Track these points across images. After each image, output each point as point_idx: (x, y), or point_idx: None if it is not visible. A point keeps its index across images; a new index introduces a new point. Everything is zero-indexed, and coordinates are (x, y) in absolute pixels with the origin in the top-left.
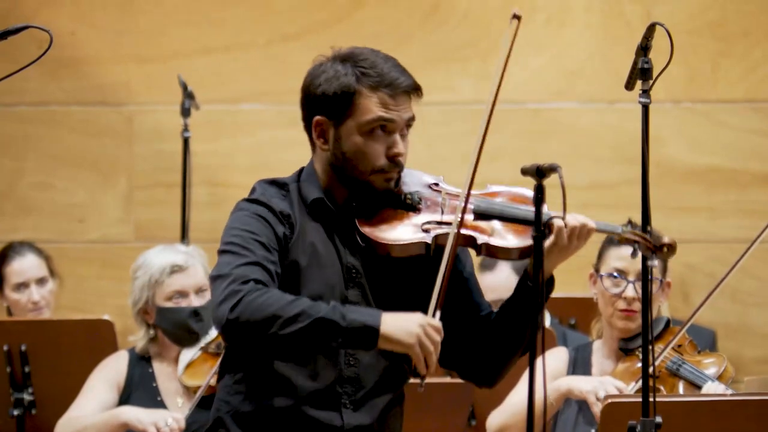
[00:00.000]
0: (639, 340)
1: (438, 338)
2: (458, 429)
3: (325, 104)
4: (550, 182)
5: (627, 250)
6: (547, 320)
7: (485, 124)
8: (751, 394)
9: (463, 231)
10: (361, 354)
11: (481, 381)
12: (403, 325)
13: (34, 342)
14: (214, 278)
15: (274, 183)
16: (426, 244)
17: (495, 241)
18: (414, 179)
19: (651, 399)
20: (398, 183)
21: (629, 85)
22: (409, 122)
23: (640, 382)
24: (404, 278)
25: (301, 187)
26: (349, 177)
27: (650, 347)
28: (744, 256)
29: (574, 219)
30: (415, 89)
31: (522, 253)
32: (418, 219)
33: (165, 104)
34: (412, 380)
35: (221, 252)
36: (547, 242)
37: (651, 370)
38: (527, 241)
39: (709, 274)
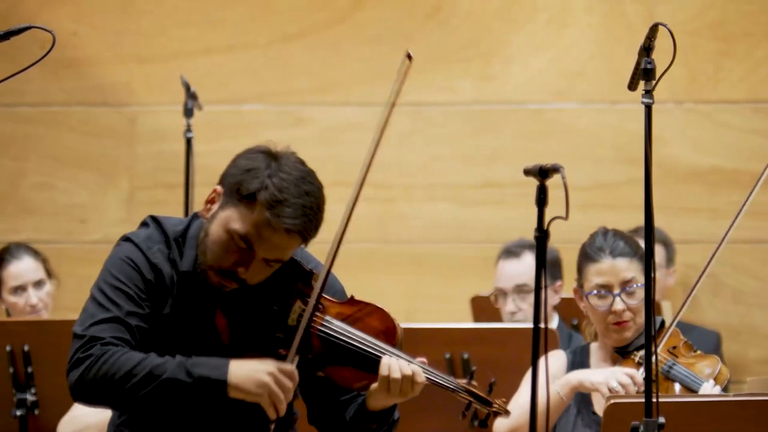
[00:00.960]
0: (635, 343)
1: (289, 384)
2: (460, 430)
3: (230, 181)
4: (552, 183)
5: (605, 263)
6: (555, 322)
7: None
8: (753, 395)
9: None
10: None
11: None
12: (250, 375)
13: (37, 342)
14: (73, 334)
15: (164, 231)
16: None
17: (334, 377)
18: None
19: (654, 399)
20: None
21: (632, 86)
22: (271, 259)
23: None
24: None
25: (183, 249)
26: (200, 260)
27: (653, 348)
28: (715, 255)
29: (407, 368)
30: (297, 234)
31: (364, 388)
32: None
33: (166, 105)
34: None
35: (90, 296)
36: (374, 386)
37: (653, 370)
38: (363, 379)
39: (711, 274)
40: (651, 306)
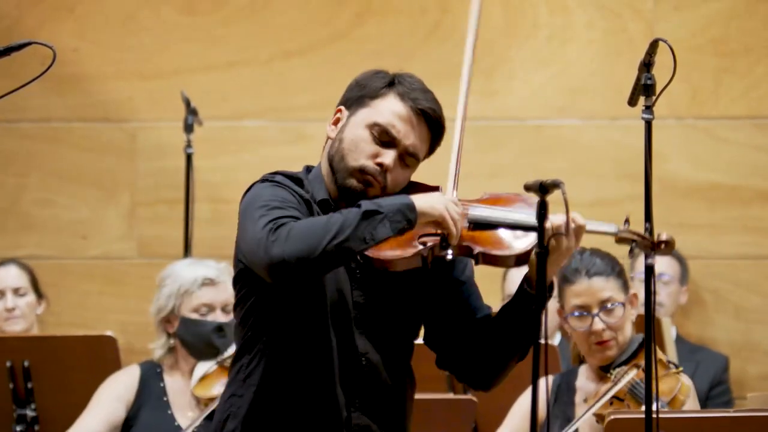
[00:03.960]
0: (618, 360)
1: (459, 209)
2: None
3: (353, 93)
4: (553, 198)
5: (581, 284)
6: (557, 339)
7: None
8: (754, 411)
9: (459, 242)
10: (371, 354)
11: (477, 384)
12: (429, 200)
13: (37, 358)
14: (260, 226)
15: (292, 178)
16: (421, 256)
17: (491, 250)
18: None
19: (654, 416)
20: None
21: (632, 101)
22: (410, 152)
23: (603, 401)
24: (402, 287)
25: (310, 186)
26: (335, 171)
27: (652, 357)
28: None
29: (572, 214)
30: (434, 119)
31: (518, 259)
32: (414, 232)
33: (167, 121)
34: (440, 253)
35: (254, 212)
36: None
37: (653, 375)
38: (523, 246)
39: (711, 290)
40: (651, 322)
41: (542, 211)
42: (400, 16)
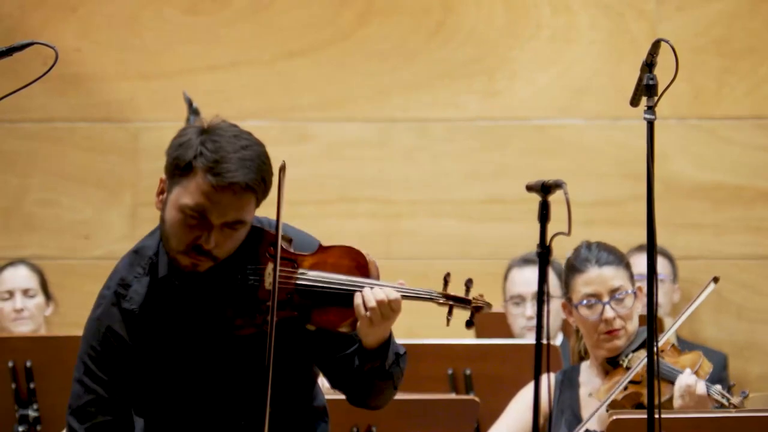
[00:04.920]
0: (626, 352)
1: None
2: None
3: (169, 164)
4: (555, 198)
5: (591, 273)
6: (559, 339)
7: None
8: (756, 411)
9: (280, 316)
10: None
11: (355, 403)
12: None
13: (39, 358)
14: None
15: (139, 256)
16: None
17: (321, 323)
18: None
19: (656, 416)
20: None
21: (634, 102)
22: (229, 221)
23: (620, 387)
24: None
25: (158, 257)
26: (168, 252)
27: (654, 354)
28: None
29: (380, 293)
30: (243, 188)
31: (352, 326)
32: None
33: (170, 121)
34: None
35: (77, 366)
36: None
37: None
38: (348, 317)
39: (715, 290)
40: (654, 322)
41: (544, 212)
42: (403, 16)
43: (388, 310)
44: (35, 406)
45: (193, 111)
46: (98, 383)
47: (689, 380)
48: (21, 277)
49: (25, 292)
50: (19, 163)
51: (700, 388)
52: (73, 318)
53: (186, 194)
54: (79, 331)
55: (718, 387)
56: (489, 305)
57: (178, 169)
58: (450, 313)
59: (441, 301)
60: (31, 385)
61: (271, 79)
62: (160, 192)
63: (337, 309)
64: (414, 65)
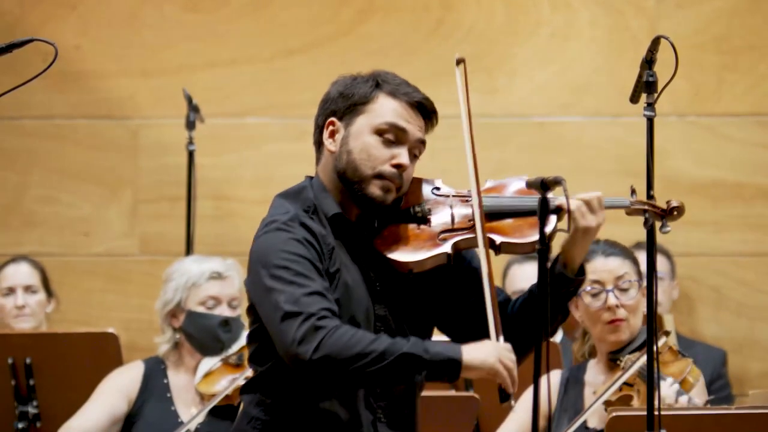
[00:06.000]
0: (630, 347)
1: (513, 357)
2: None
3: (341, 104)
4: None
5: (597, 262)
6: (558, 336)
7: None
8: (755, 408)
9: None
10: None
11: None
12: (480, 354)
13: (39, 355)
14: (284, 313)
15: (296, 199)
16: (447, 254)
17: (512, 239)
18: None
19: (656, 412)
20: (399, 198)
21: (634, 99)
22: (419, 143)
23: (614, 387)
24: (423, 288)
25: (318, 203)
26: (351, 183)
27: (654, 353)
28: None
29: (583, 195)
30: (430, 110)
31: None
32: (432, 230)
33: (170, 118)
34: (503, 403)
35: (275, 277)
36: (570, 228)
37: (654, 372)
38: (546, 232)
39: (714, 287)
40: (653, 319)
41: (544, 208)
42: (402, 14)
43: (596, 204)
44: (35, 403)
45: (193, 108)
46: (319, 275)
47: (667, 391)
48: (23, 273)
49: (27, 289)
50: (19, 160)
51: (681, 401)
52: (72, 315)
53: (378, 116)
54: (77, 328)
55: (697, 402)
56: (683, 210)
57: (357, 103)
58: (646, 222)
59: (636, 206)
60: (31, 382)
61: (271, 76)
62: (332, 135)
63: (526, 223)
64: (414, 62)
